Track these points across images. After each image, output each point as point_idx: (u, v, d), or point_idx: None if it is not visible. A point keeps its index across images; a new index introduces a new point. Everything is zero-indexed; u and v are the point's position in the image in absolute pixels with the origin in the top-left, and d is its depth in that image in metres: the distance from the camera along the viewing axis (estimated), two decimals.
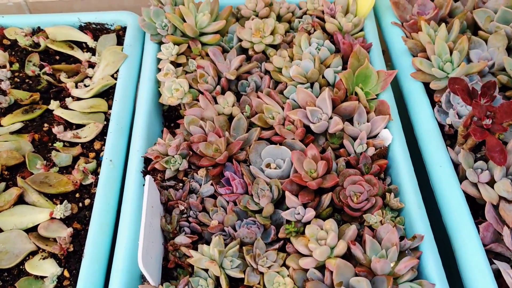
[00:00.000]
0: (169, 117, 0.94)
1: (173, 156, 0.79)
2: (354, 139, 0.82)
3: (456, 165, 0.80)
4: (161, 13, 0.99)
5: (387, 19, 1.03)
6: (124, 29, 1.06)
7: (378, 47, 0.97)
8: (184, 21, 0.96)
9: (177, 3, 1.01)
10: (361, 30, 1.01)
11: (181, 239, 0.72)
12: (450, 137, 0.86)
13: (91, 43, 1.04)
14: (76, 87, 0.96)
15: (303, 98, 0.84)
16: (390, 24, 1.01)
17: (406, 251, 0.69)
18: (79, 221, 0.76)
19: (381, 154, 0.81)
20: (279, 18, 1.05)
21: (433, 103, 0.88)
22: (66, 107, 0.92)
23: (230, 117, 0.86)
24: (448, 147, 0.80)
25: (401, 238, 0.69)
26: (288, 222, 0.73)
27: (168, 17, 0.95)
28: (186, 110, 0.86)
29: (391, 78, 0.88)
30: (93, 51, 1.04)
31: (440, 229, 0.75)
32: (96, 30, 1.06)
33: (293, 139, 0.81)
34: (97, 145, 0.86)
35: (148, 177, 0.71)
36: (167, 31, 0.98)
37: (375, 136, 0.83)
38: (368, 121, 0.84)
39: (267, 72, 0.94)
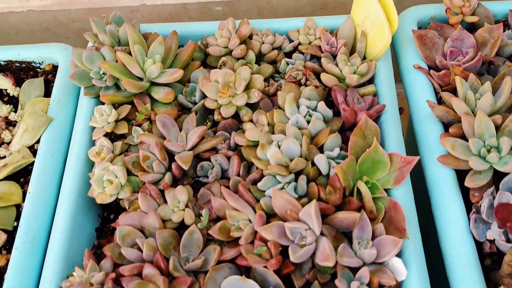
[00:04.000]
0: (108, 205, 0.72)
1: None
2: (353, 269, 0.58)
3: None
4: (98, 57, 0.74)
5: (408, 59, 0.77)
6: (56, 69, 0.82)
7: (394, 108, 0.71)
8: (127, 69, 0.72)
9: (121, 41, 0.76)
10: (371, 80, 0.75)
11: None
12: (491, 255, 0.62)
13: (12, 90, 0.80)
14: None
15: (281, 205, 0.60)
16: (411, 68, 0.75)
17: None
18: None
19: None
20: (260, 56, 0.80)
21: (468, 204, 0.63)
22: None
23: (183, 224, 0.64)
24: None
25: None
26: None
27: (103, 67, 0.71)
28: (119, 217, 0.63)
29: (409, 168, 0.63)
30: (16, 100, 0.81)
31: None
32: (21, 71, 0.83)
33: (266, 267, 0.59)
34: (1, 261, 0.65)
35: None
36: (106, 83, 0.73)
37: (382, 263, 0.60)
38: (373, 237, 0.60)
39: (238, 146, 0.70)
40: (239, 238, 0.62)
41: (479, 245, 0.61)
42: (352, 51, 0.77)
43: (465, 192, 0.64)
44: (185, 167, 0.65)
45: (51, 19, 1.01)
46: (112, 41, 0.75)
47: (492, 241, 0.61)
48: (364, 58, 0.76)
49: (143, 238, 0.62)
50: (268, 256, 0.59)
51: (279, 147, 0.66)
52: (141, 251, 0.60)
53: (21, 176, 0.72)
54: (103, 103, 0.73)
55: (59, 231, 0.63)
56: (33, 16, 1.00)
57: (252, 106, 0.73)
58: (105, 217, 0.72)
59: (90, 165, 0.71)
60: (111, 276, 0.58)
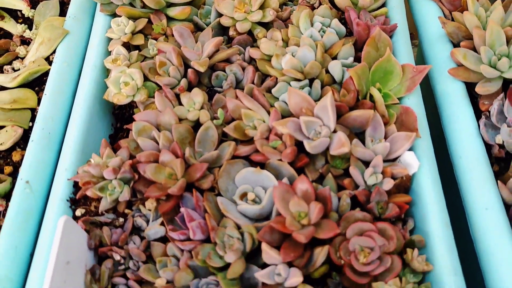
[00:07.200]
0: (122, 116, 0.75)
1: (111, 181, 0.60)
2: (365, 163, 0.62)
3: (509, 206, 0.60)
4: None
5: None
6: None
7: (405, 29, 0.75)
8: None
9: None
10: (383, 4, 0.79)
11: None
12: (499, 161, 0.66)
13: (27, 11, 0.84)
14: (2, 71, 0.77)
15: (296, 103, 0.63)
16: None
17: None
18: None
19: (402, 186, 0.62)
20: None
21: (478, 113, 0.67)
22: None
23: (197, 125, 0.67)
24: (498, 181, 0.60)
25: None
26: (265, 285, 0.54)
27: None
28: (137, 113, 0.66)
29: (421, 77, 0.67)
30: (30, 22, 0.84)
31: None
32: None
33: (280, 159, 0.62)
34: (16, 156, 0.68)
35: (63, 219, 0.52)
36: (122, 0, 0.77)
37: (394, 159, 0.63)
38: (385, 138, 0.64)
39: (252, 60, 0.74)
40: (253, 139, 0.65)
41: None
42: None
43: (474, 105, 0.68)
44: (202, 69, 0.68)
45: None
46: None
47: (501, 146, 0.64)
48: None
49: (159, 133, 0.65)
50: (283, 149, 0.62)
51: (293, 56, 0.69)
52: (157, 143, 0.63)
53: (36, 85, 0.75)
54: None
55: (75, 128, 0.66)
56: None
57: (267, 26, 0.77)
58: (118, 128, 0.75)
59: (106, 74, 0.74)
60: (128, 162, 0.61)
